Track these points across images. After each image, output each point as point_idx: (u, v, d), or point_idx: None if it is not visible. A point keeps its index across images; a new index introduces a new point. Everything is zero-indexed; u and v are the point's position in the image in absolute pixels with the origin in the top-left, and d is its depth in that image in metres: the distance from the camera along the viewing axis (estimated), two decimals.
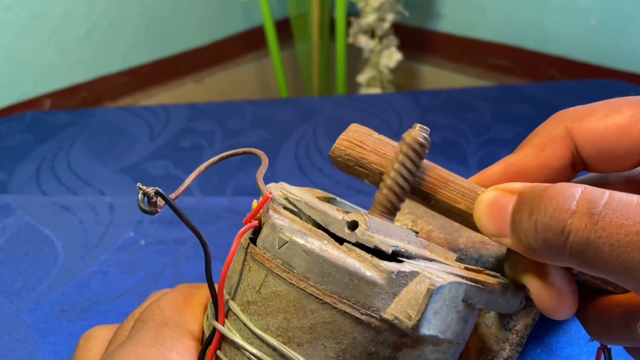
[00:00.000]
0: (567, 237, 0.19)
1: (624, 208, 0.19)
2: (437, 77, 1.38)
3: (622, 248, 0.18)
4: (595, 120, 0.25)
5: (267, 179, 0.25)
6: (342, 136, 0.26)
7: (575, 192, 0.20)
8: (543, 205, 0.20)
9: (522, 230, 0.21)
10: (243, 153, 0.27)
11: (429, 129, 0.25)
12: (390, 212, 0.25)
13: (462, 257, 0.26)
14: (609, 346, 0.28)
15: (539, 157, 0.26)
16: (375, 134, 0.26)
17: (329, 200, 0.28)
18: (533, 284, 0.23)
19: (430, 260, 0.23)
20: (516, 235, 0.22)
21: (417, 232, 0.26)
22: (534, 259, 0.22)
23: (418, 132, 0.25)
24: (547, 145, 0.26)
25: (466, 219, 0.25)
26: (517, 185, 0.23)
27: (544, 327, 0.36)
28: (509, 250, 0.24)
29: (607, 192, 0.19)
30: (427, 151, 0.25)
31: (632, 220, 0.19)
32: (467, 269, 0.24)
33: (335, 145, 0.26)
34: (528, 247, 0.21)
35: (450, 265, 0.24)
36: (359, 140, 0.26)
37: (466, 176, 0.27)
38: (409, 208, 0.34)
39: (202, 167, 0.26)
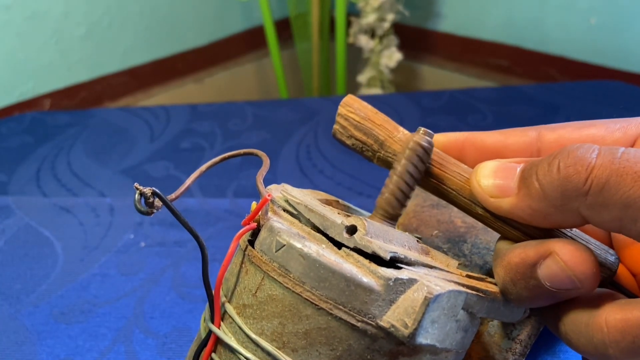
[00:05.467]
0: (590, 172, 0.20)
1: None
2: (437, 77, 1.38)
3: None
4: (568, 131, 0.26)
5: (268, 181, 0.24)
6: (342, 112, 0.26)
7: (594, 146, 0.21)
8: (566, 151, 0.21)
9: (538, 177, 0.21)
10: (245, 154, 0.26)
11: (433, 133, 0.25)
12: (391, 217, 0.25)
13: (467, 264, 0.26)
14: None
15: (501, 139, 0.26)
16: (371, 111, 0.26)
17: (331, 203, 0.27)
18: (563, 248, 0.21)
19: (431, 267, 0.23)
20: (525, 189, 0.22)
21: (420, 238, 0.26)
22: (535, 218, 0.22)
23: (422, 137, 0.24)
24: (513, 133, 0.26)
25: (474, 209, 0.25)
26: (522, 158, 0.23)
27: (547, 330, 0.36)
28: (502, 253, 0.24)
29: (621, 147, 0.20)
30: (431, 156, 0.25)
31: None
32: (468, 276, 0.24)
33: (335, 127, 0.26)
34: (538, 197, 0.21)
35: (451, 273, 0.23)
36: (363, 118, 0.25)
37: None
38: (414, 212, 0.33)
39: (203, 167, 0.25)
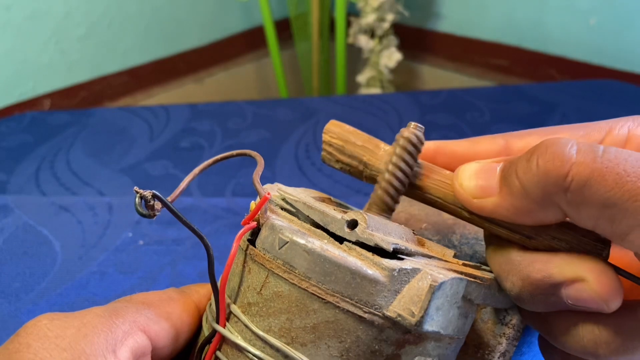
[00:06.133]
0: (570, 169, 0.19)
1: (623, 151, 0.19)
2: (437, 77, 1.38)
3: (629, 177, 0.19)
4: (535, 138, 0.25)
5: (267, 179, 0.25)
6: (326, 138, 0.26)
7: (572, 140, 0.20)
8: (544, 147, 0.20)
9: (518, 175, 0.21)
10: (238, 155, 0.27)
11: (423, 127, 0.25)
12: (386, 211, 0.25)
13: (457, 254, 0.26)
14: None
15: (470, 147, 0.27)
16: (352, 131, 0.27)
17: (324, 200, 0.28)
18: (594, 275, 0.21)
19: (430, 257, 0.23)
20: (507, 188, 0.22)
21: (413, 230, 0.26)
22: (519, 216, 0.22)
23: (412, 132, 0.25)
24: (482, 141, 0.27)
25: (460, 214, 0.25)
26: (502, 158, 0.23)
27: None
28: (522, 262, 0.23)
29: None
30: (421, 150, 0.25)
31: (636, 156, 0.19)
32: (465, 265, 0.24)
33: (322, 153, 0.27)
34: (520, 194, 0.21)
35: (449, 262, 0.24)
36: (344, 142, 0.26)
37: None
38: (402, 206, 0.34)
39: (196, 170, 0.26)
